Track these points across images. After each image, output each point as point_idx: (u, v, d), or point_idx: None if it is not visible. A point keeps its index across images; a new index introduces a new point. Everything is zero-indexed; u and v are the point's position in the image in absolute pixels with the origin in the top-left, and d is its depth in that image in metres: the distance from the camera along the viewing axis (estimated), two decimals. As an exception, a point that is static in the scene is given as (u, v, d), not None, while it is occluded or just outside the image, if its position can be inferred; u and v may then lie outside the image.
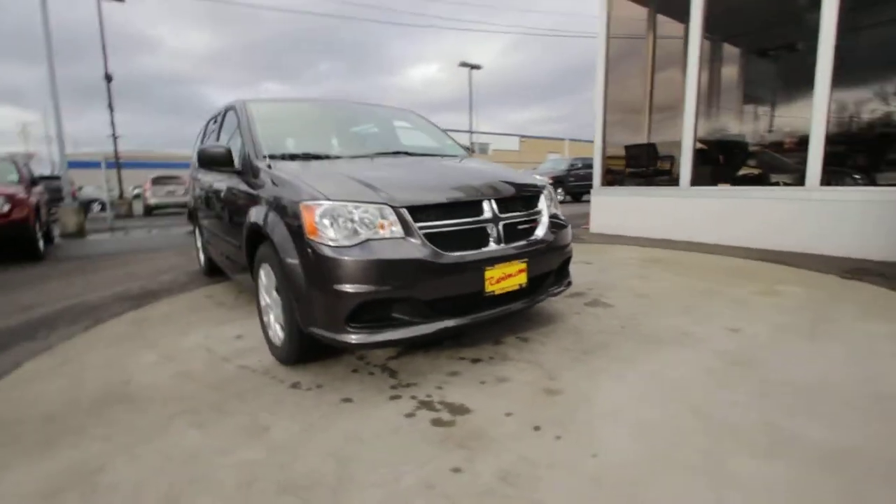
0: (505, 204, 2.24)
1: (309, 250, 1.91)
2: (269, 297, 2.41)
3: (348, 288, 1.85)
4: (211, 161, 2.65)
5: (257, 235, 2.45)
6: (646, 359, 2.27)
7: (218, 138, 3.42)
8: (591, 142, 6.86)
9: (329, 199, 1.95)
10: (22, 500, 1.45)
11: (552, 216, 2.51)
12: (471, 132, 27.03)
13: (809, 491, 1.34)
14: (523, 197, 2.38)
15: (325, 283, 1.87)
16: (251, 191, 2.51)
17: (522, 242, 2.25)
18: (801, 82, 5.74)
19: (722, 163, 5.90)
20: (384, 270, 1.87)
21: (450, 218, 2.06)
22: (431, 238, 1.98)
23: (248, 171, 2.59)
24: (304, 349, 2.20)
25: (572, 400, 1.91)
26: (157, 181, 16.12)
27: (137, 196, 19.45)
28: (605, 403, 1.87)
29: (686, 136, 5.45)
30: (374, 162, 2.64)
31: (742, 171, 5.60)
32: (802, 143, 5.18)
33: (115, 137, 16.66)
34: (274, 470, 1.53)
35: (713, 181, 5.53)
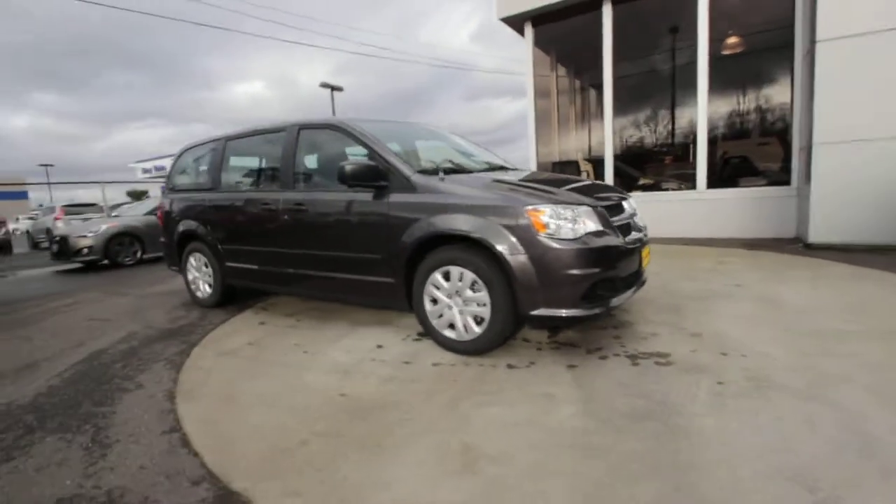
0: (627, 203, 2.96)
1: (542, 246, 2.32)
2: (449, 298, 2.64)
3: (586, 271, 2.32)
4: (356, 177, 2.74)
5: (428, 243, 2.67)
6: (716, 308, 3.21)
7: (295, 158, 3.33)
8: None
9: (551, 204, 2.39)
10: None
11: None
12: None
13: (874, 352, 2.35)
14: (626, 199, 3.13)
15: (565, 270, 2.31)
16: (410, 203, 2.71)
17: (642, 231, 2.99)
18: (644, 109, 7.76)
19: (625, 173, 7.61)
20: (605, 256, 2.40)
21: (615, 215, 2.68)
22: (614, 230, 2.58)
23: (400, 186, 2.76)
24: (508, 334, 2.55)
25: (714, 337, 2.69)
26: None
27: None
28: (734, 334, 2.70)
29: (607, 153, 6.94)
30: (509, 174, 3.08)
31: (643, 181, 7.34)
32: (677, 158, 7.13)
33: None
34: (606, 412, 1.94)
35: (628, 189, 7.13)
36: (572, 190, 2.76)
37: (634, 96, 8.21)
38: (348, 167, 2.75)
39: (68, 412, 2.30)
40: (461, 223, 2.51)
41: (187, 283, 4.43)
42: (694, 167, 6.53)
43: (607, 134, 6.91)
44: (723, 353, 2.45)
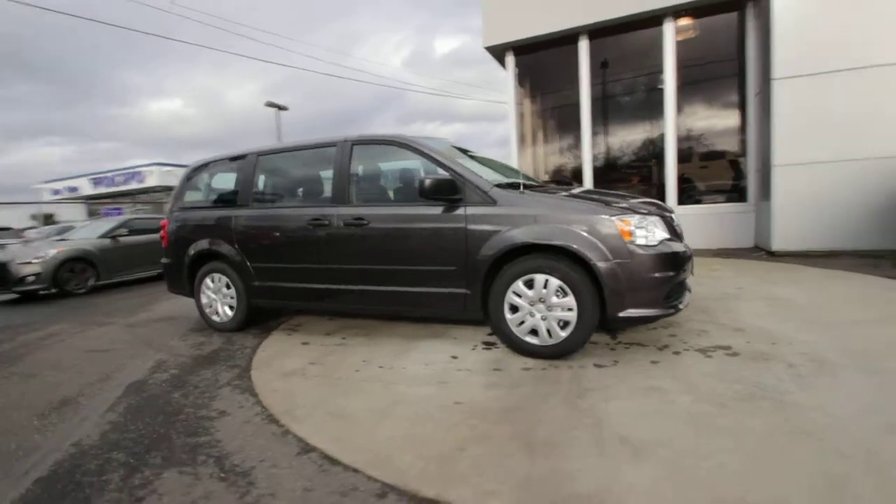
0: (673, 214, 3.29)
1: (629, 253, 2.55)
2: (531, 305, 2.77)
3: (666, 274, 2.58)
4: (436, 191, 2.82)
5: (508, 254, 2.79)
6: (736, 307, 3.61)
7: (350, 172, 3.32)
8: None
9: (634, 214, 2.63)
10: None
11: None
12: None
13: (890, 334, 2.84)
14: (664, 211, 3.47)
15: (651, 274, 2.54)
16: (491, 215, 2.82)
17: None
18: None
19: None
20: (679, 260, 2.68)
21: (672, 223, 2.99)
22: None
23: (477, 199, 2.87)
24: (589, 337, 2.72)
25: (755, 330, 3.05)
26: None
27: None
28: (770, 327, 3.07)
29: (586, 175, 7.49)
30: (562, 187, 3.31)
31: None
32: (643, 179, 7.85)
33: None
34: (718, 398, 2.17)
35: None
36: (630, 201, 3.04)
37: (602, 121, 8.96)
38: (428, 182, 2.83)
39: (162, 446, 2.11)
40: (551, 233, 2.67)
41: (200, 306, 4.13)
42: (659, 186, 7.25)
43: (585, 158, 7.48)
44: (773, 343, 2.80)
